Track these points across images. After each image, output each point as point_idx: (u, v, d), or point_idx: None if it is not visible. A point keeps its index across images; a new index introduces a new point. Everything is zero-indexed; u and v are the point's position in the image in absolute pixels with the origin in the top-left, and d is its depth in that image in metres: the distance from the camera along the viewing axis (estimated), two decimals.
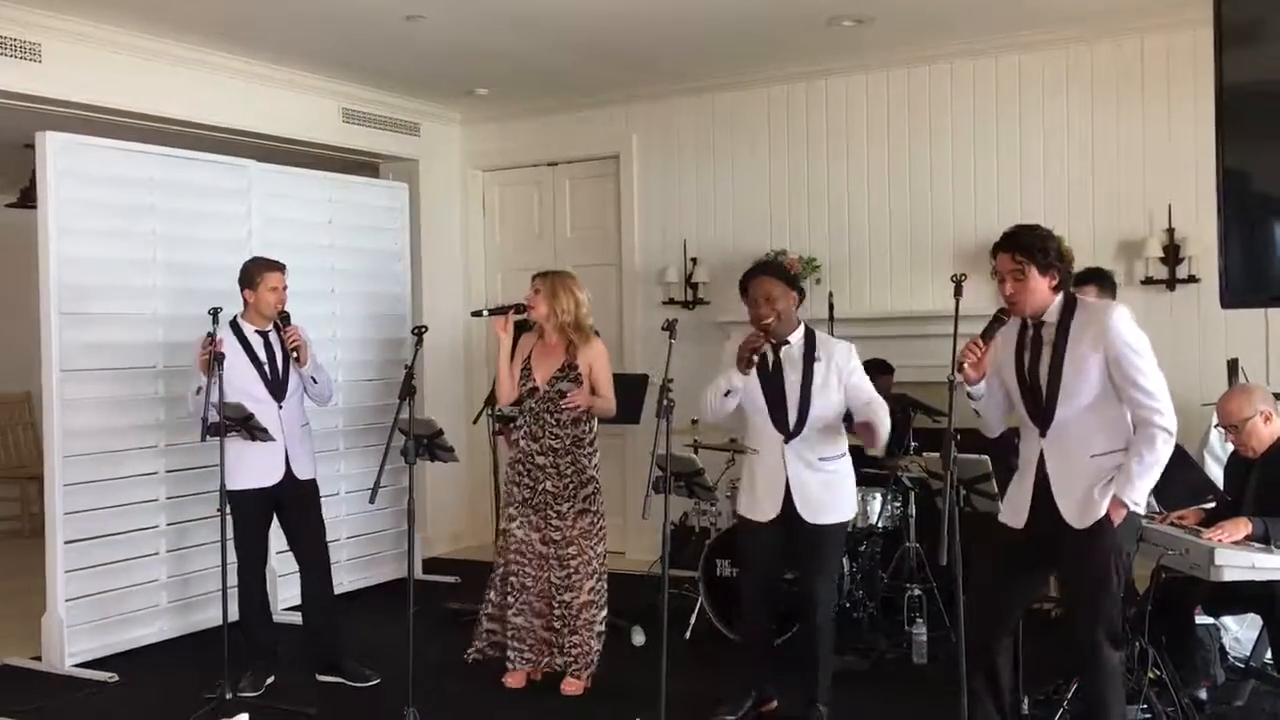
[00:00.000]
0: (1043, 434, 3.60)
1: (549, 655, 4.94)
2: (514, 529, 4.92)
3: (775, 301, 4.30)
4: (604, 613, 4.94)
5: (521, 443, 4.90)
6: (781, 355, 4.37)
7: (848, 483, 4.41)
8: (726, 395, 4.33)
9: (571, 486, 4.84)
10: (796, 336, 4.38)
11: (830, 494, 4.34)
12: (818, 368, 4.33)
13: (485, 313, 5.05)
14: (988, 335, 3.61)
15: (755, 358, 4.26)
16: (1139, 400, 3.46)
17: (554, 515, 4.83)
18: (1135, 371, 3.46)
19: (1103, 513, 3.49)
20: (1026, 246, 3.57)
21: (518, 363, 4.93)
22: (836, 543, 4.44)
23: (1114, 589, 3.52)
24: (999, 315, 3.63)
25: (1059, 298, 3.61)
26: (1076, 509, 3.52)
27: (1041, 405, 3.60)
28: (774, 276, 4.40)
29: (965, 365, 3.58)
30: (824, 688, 4.38)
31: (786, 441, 4.32)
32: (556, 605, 4.87)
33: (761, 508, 4.39)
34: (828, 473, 4.35)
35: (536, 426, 4.86)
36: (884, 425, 4.32)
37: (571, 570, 4.84)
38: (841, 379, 4.32)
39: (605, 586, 4.94)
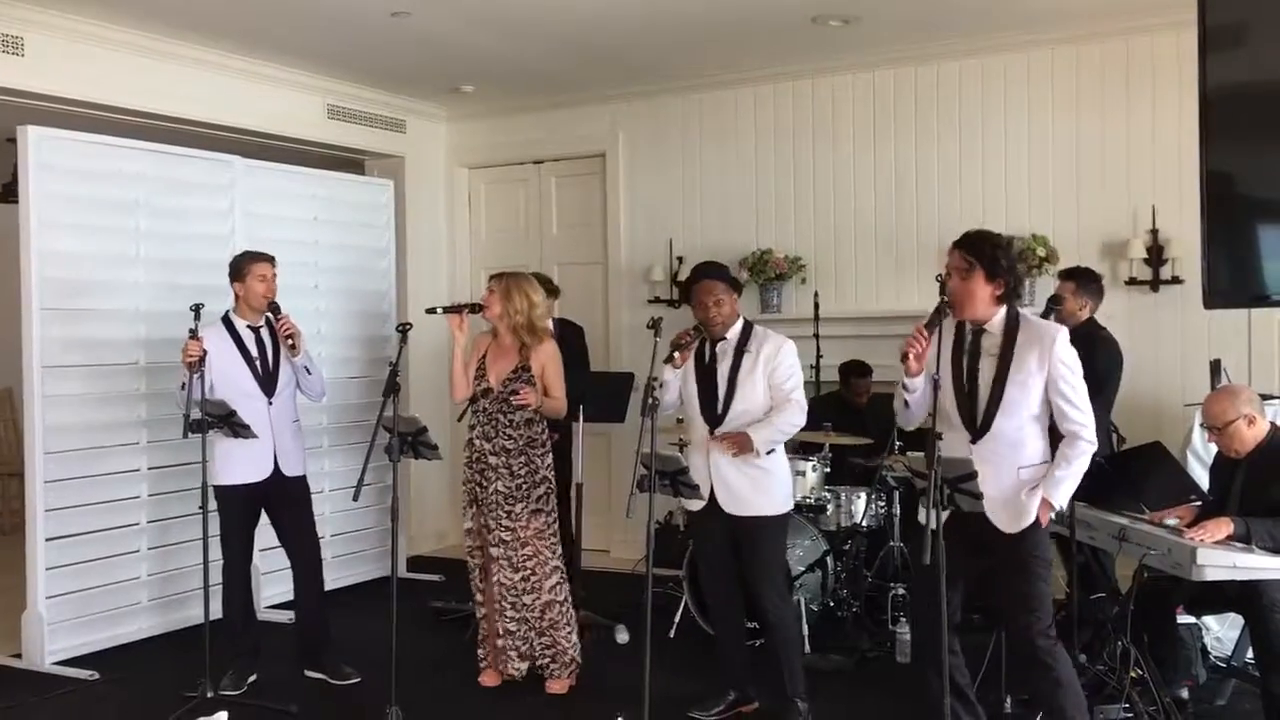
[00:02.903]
0: (973, 440, 3.69)
1: (504, 661, 4.92)
2: (474, 529, 4.93)
3: (721, 304, 4.43)
4: (570, 608, 4.93)
5: (476, 442, 4.90)
6: (718, 349, 4.47)
7: (778, 477, 4.44)
8: (660, 387, 4.36)
9: (525, 487, 4.83)
10: (733, 331, 4.48)
11: (756, 488, 4.38)
12: (745, 359, 4.42)
13: (439, 310, 5.05)
14: (931, 326, 3.66)
15: (679, 354, 4.37)
16: (1071, 415, 3.65)
17: (504, 516, 4.82)
18: (1071, 390, 3.64)
19: (1033, 517, 3.63)
20: (977, 248, 3.69)
21: (473, 362, 4.94)
22: (768, 537, 4.44)
23: (1047, 585, 3.67)
24: (941, 307, 3.68)
25: (1003, 310, 3.71)
26: (1008, 516, 3.65)
27: (976, 413, 3.69)
28: (719, 279, 4.50)
29: (910, 356, 3.65)
30: (793, 682, 4.40)
31: (711, 433, 4.40)
32: (517, 608, 4.85)
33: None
34: (754, 466, 4.38)
35: (490, 426, 4.86)
36: (768, 430, 4.33)
37: (529, 572, 4.83)
38: (766, 369, 4.39)
39: (566, 584, 4.93)
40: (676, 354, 4.37)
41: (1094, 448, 3.67)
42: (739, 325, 4.49)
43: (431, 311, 5.11)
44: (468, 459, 4.94)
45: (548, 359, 4.88)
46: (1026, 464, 3.67)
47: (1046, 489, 3.63)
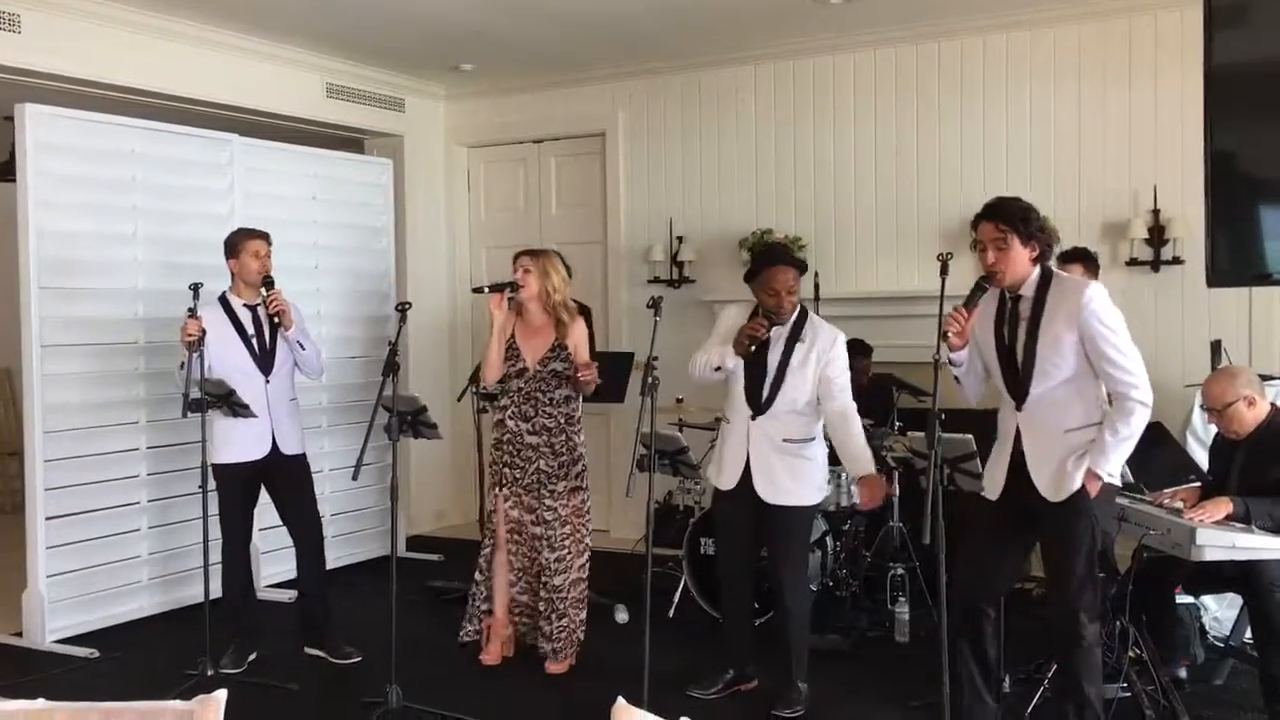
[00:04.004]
0: (1019, 407, 3.66)
1: (535, 627, 4.95)
2: (508, 510, 4.90)
3: (793, 293, 4.36)
4: (586, 588, 4.96)
5: (509, 423, 4.88)
6: (771, 334, 4.39)
7: (815, 469, 4.42)
8: (717, 370, 4.40)
9: (566, 464, 4.83)
10: (790, 317, 4.41)
11: (793, 478, 4.36)
12: (798, 348, 4.36)
13: (486, 289, 5.01)
14: (970, 303, 3.64)
15: (754, 347, 4.32)
16: (1115, 376, 3.52)
17: (548, 495, 4.82)
18: (1110, 348, 3.51)
19: (1077, 485, 3.54)
20: (1009, 216, 3.63)
21: (502, 343, 4.91)
22: (799, 526, 4.45)
23: (1091, 561, 3.58)
24: (980, 283, 3.67)
25: (1036, 271, 3.66)
26: (1051, 482, 3.58)
27: (1018, 379, 3.65)
28: (793, 266, 4.42)
29: (949, 334, 3.61)
30: (798, 666, 4.41)
31: (754, 417, 4.36)
32: (544, 588, 4.86)
33: (724, 476, 4.45)
34: (793, 456, 4.36)
35: (528, 406, 4.84)
36: (866, 451, 4.38)
37: (564, 551, 4.84)
38: (819, 363, 4.34)
39: (588, 562, 4.96)
40: (753, 348, 4.31)
41: (1148, 409, 3.52)
42: (796, 312, 4.42)
43: (478, 291, 5.06)
44: (497, 440, 4.92)
45: (580, 337, 4.86)
46: (1073, 426, 3.57)
47: (1092, 457, 3.52)
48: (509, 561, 4.94)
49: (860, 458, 4.36)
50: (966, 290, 3.74)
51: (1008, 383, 3.68)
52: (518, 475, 4.86)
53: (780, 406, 4.35)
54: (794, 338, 4.37)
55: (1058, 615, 3.65)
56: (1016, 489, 3.63)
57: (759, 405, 4.36)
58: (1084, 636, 3.59)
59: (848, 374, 4.41)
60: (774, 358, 4.37)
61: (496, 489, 4.92)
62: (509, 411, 4.88)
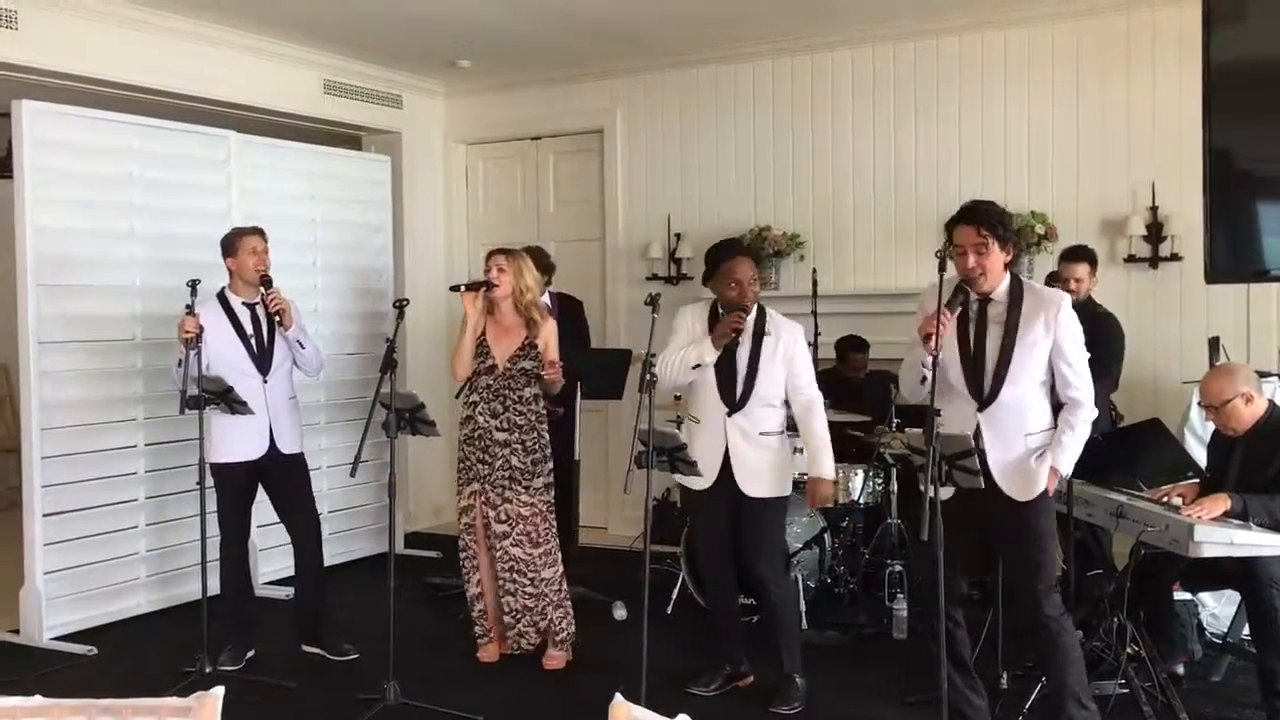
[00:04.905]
0: (980, 409, 3.70)
1: (518, 636, 4.93)
2: (482, 506, 4.88)
3: (755, 283, 4.40)
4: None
5: (479, 418, 4.87)
6: None
7: (787, 460, 4.47)
8: (695, 368, 4.38)
9: (539, 461, 4.84)
10: (752, 309, 4.44)
11: (769, 469, 4.40)
12: (766, 342, 4.39)
13: (462, 288, 5.02)
14: (952, 306, 3.67)
15: (731, 341, 4.34)
16: (1073, 382, 3.68)
17: (524, 490, 4.81)
18: (1075, 356, 3.68)
19: (1044, 484, 3.66)
20: (989, 220, 3.68)
21: (474, 339, 4.90)
22: (775, 518, 4.48)
23: (1049, 550, 3.71)
24: (961, 287, 3.71)
25: (1007, 277, 3.74)
26: (1018, 484, 3.67)
27: (983, 382, 3.69)
28: (750, 256, 4.49)
29: (931, 340, 3.61)
30: (791, 659, 4.43)
31: (730, 414, 4.37)
32: (535, 583, 4.85)
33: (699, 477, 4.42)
34: (767, 448, 4.40)
35: (497, 403, 4.83)
36: (827, 452, 4.40)
37: (549, 545, 4.84)
38: (785, 356, 4.38)
39: None
40: (738, 340, 4.34)
41: (1095, 414, 3.71)
42: (755, 307, 4.44)
43: (455, 289, 5.08)
44: (467, 436, 4.91)
45: (550, 336, 4.87)
46: (1033, 430, 3.70)
47: (1054, 457, 3.66)
48: (493, 560, 4.93)
49: (819, 458, 4.40)
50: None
51: (970, 384, 3.72)
52: (485, 472, 4.85)
53: (755, 401, 4.38)
54: (760, 332, 4.40)
55: (1030, 613, 3.72)
56: (968, 491, 3.59)
57: (734, 402, 4.38)
58: (1059, 629, 3.67)
59: (811, 369, 4.48)
60: (743, 353, 4.39)
61: (477, 484, 4.88)
62: (478, 408, 4.87)
